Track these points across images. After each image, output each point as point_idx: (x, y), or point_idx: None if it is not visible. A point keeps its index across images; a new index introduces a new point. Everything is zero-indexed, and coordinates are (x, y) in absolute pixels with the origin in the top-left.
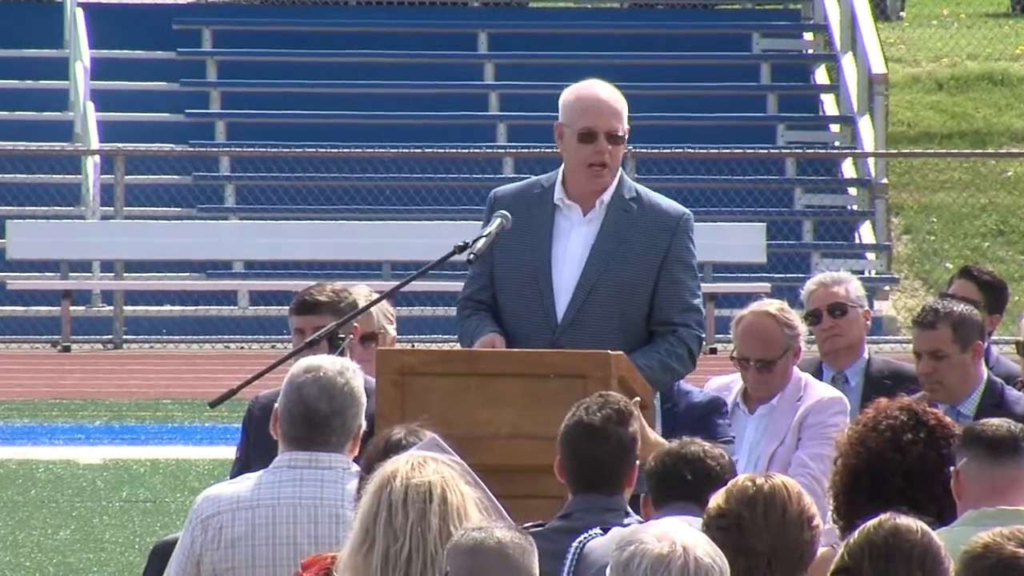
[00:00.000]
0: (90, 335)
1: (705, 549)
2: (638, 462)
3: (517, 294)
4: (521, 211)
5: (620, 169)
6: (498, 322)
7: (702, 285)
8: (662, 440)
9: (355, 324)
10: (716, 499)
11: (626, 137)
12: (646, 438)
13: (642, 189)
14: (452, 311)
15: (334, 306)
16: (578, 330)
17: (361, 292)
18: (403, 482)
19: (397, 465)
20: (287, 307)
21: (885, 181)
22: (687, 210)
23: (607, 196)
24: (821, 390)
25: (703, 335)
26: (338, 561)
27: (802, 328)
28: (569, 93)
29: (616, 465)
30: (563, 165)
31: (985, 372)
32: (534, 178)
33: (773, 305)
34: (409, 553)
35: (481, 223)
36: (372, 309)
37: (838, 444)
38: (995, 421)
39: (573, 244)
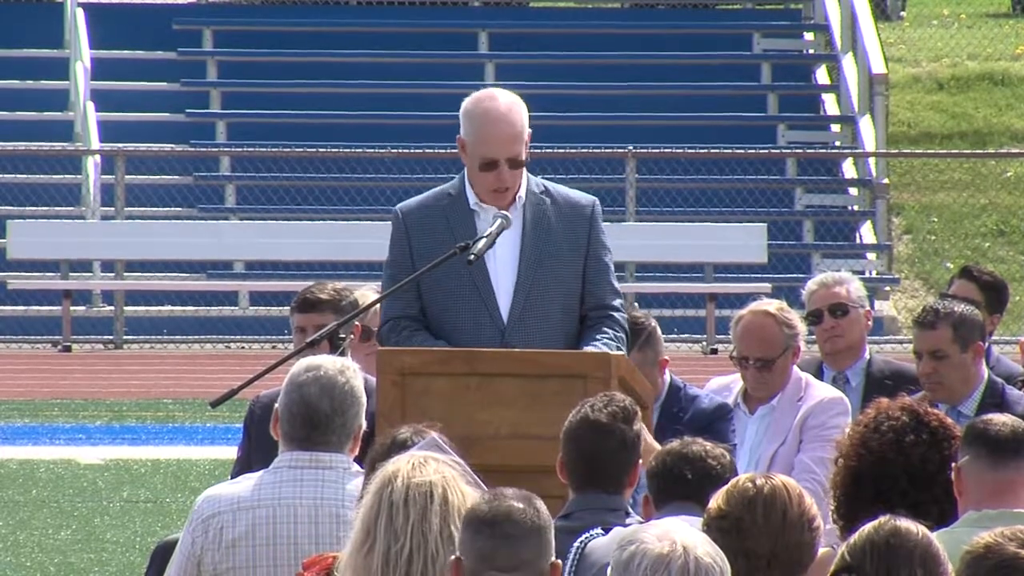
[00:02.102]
0: (91, 335)
1: (706, 549)
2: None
3: (457, 301)
4: (438, 220)
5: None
6: (435, 334)
7: (702, 285)
8: (658, 445)
9: (356, 324)
10: (716, 500)
11: (527, 152)
12: (645, 442)
13: (547, 183)
14: None
15: (335, 304)
16: (525, 327)
17: (367, 294)
18: (404, 482)
19: (398, 465)
20: (287, 307)
21: (886, 181)
22: (595, 198)
23: (521, 193)
24: (822, 390)
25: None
26: (339, 561)
27: (801, 327)
28: (469, 109)
29: (618, 462)
30: (467, 169)
31: (986, 372)
32: (436, 189)
33: (772, 304)
34: (410, 553)
35: (390, 241)
36: None
37: (839, 445)
38: (1000, 419)
39: (500, 243)
